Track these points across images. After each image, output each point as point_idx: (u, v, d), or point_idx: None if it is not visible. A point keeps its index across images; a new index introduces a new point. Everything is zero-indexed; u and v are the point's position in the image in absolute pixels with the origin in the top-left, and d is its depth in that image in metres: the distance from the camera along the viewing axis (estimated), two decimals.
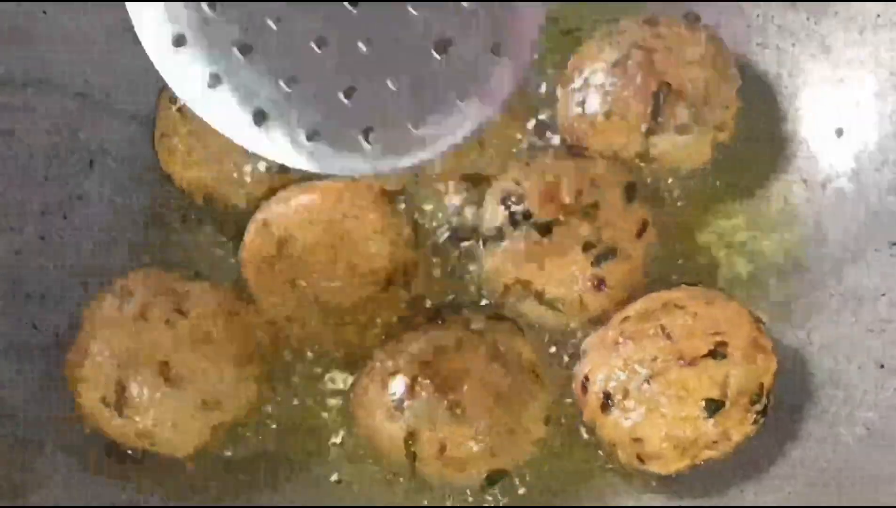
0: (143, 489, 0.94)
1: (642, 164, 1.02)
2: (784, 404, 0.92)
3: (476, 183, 1.02)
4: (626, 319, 0.93)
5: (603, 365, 0.91)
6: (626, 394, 0.89)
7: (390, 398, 0.91)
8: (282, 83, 0.78)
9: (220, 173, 1.02)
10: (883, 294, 0.95)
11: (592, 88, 1.02)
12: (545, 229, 0.96)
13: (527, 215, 0.96)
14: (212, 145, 1.01)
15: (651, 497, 0.93)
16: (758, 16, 1.06)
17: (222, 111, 0.78)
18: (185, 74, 0.78)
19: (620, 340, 0.91)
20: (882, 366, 0.92)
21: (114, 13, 1.05)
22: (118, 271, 0.98)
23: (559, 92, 1.05)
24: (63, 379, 0.94)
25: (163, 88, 1.04)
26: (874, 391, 0.91)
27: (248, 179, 1.01)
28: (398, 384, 0.91)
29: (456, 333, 0.94)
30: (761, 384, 0.89)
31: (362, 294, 0.95)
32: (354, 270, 0.95)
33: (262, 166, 1.01)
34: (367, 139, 0.78)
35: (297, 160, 0.79)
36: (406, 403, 0.90)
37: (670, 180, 1.03)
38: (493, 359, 0.92)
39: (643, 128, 1.00)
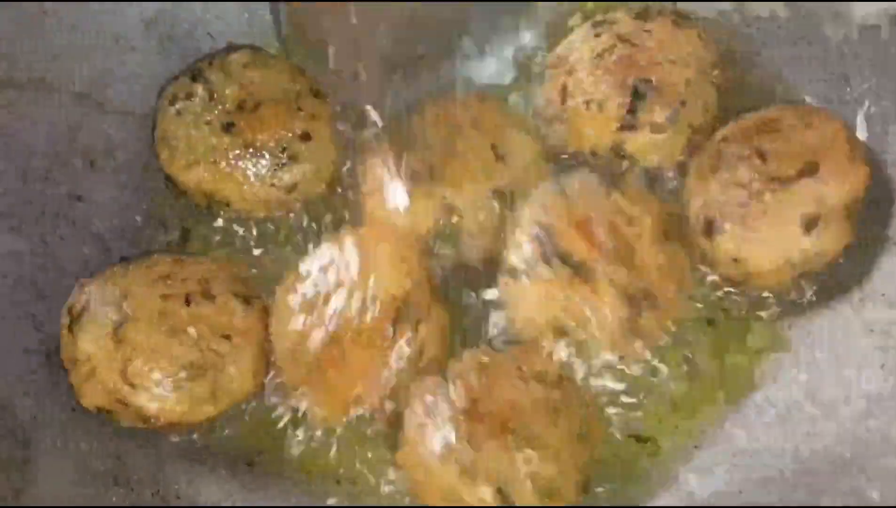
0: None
1: (615, 157, 1.01)
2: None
3: (503, 199, 0.99)
4: (723, 139, 0.96)
5: (701, 192, 0.94)
6: (725, 217, 0.93)
7: (454, 462, 0.87)
8: None
9: (219, 174, 1.01)
10: None
11: (574, 76, 1.02)
12: (578, 269, 0.92)
13: (558, 253, 0.93)
14: (210, 146, 1.01)
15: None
16: (758, 16, 1.06)
17: None
18: None
19: (716, 165, 0.94)
20: None
21: (114, 14, 1.07)
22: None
23: (546, 75, 1.05)
24: (63, 380, 0.94)
25: (162, 88, 1.04)
26: None
27: (248, 179, 1.01)
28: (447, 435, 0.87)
29: (480, 358, 0.92)
30: (855, 197, 0.92)
31: (368, 320, 0.93)
32: (367, 296, 0.93)
33: (262, 168, 1.01)
34: None
35: None
36: (467, 457, 0.86)
37: None
38: (527, 379, 0.90)
39: (617, 123, 0.99)
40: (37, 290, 0.99)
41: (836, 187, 0.92)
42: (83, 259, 1.01)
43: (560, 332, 0.93)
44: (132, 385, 0.92)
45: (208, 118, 1.01)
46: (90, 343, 0.94)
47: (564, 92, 1.02)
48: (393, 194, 0.98)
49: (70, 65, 1.03)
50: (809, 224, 0.91)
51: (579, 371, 0.93)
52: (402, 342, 0.92)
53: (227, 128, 1.01)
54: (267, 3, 1.11)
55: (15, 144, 1.00)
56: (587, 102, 1.00)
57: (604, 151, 1.01)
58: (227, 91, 1.02)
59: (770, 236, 0.92)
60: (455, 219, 0.97)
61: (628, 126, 0.99)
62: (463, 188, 0.98)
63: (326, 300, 0.93)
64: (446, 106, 1.02)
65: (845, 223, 0.92)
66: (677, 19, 1.03)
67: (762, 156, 0.94)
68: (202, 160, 1.01)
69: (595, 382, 0.94)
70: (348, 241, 0.96)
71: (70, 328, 0.95)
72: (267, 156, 1.01)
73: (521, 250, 0.94)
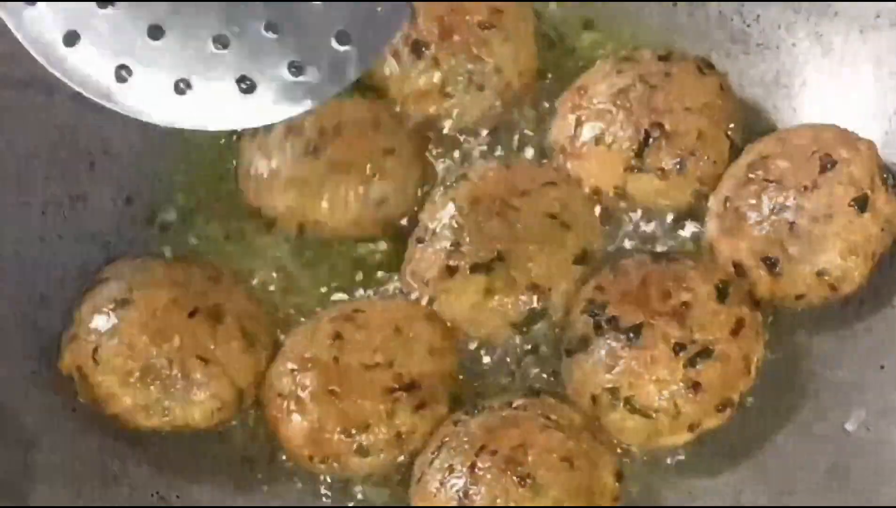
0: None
1: (616, 196, 1.01)
2: None
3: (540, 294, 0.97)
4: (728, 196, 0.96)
5: (742, 242, 0.95)
6: (783, 247, 0.93)
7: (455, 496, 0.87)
8: (146, 36, 0.77)
9: (309, 199, 1.01)
10: None
11: (589, 111, 1.01)
12: (633, 333, 0.91)
13: (612, 321, 0.92)
14: (298, 172, 1.01)
15: None
16: (758, 16, 1.06)
17: (81, 70, 0.78)
18: (41, 31, 0.78)
19: (743, 211, 0.95)
20: None
21: None
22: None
23: (559, 106, 1.05)
24: (64, 381, 0.94)
25: (240, 134, 1.05)
26: None
27: (338, 200, 1.01)
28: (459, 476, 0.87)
29: (501, 413, 0.91)
30: (878, 164, 0.94)
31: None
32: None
33: (351, 187, 1.01)
34: (242, 90, 0.78)
35: (167, 115, 0.79)
36: (474, 491, 0.86)
37: None
38: (547, 428, 0.89)
39: (624, 164, 0.99)
40: (37, 290, 0.98)
41: (859, 165, 0.93)
42: (83, 259, 1.01)
43: (616, 396, 0.91)
44: (96, 362, 0.93)
45: (292, 146, 1.01)
46: (87, 309, 0.96)
47: (578, 125, 1.02)
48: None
49: None
50: (860, 204, 0.92)
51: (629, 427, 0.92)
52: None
53: (314, 152, 1.01)
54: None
55: (15, 144, 1.00)
56: (597, 140, 1.00)
57: (606, 188, 1.01)
58: (305, 120, 1.01)
59: (834, 229, 0.92)
60: (540, 302, 0.97)
61: (634, 167, 0.99)
62: (543, 265, 0.97)
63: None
64: (480, 183, 1.01)
65: (888, 190, 0.94)
66: (701, 66, 1.02)
67: (778, 179, 0.95)
68: (291, 188, 1.01)
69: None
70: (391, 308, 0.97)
71: (86, 290, 0.97)
72: (355, 174, 1.01)
73: (575, 325, 0.94)
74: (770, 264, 0.94)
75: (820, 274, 0.93)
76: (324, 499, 0.94)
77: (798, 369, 0.95)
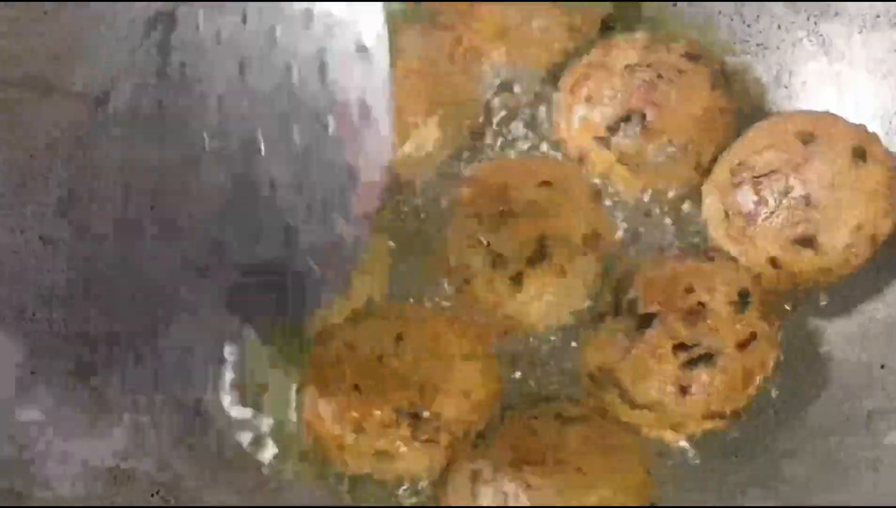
0: None
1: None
2: None
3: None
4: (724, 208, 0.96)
5: (763, 240, 0.95)
6: (810, 221, 0.93)
7: None
8: None
9: None
10: None
11: (592, 80, 1.02)
12: (644, 321, 0.91)
13: (631, 303, 0.93)
14: None
15: None
16: (758, 16, 1.06)
17: None
18: None
19: (748, 212, 0.95)
20: None
21: (114, 14, 1.07)
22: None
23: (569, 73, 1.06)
24: (64, 380, 0.94)
25: None
26: None
27: None
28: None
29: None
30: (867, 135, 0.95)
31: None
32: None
33: None
34: None
35: None
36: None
37: None
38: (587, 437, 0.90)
39: (595, 132, 1.01)
40: (37, 290, 0.98)
41: (838, 126, 0.95)
42: (83, 259, 1.01)
43: (610, 377, 0.92)
44: None
45: None
46: None
47: (576, 92, 1.02)
48: None
49: (70, 65, 1.02)
50: (859, 154, 0.94)
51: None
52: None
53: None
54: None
55: (15, 144, 1.00)
56: (588, 97, 1.01)
57: (578, 150, 1.02)
58: None
59: (849, 183, 0.93)
60: None
61: (602, 140, 1.00)
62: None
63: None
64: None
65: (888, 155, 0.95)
66: (718, 75, 1.03)
67: (767, 171, 0.96)
68: None
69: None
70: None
71: None
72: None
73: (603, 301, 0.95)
74: (807, 242, 0.94)
75: (859, 228, 0.93)
76: (325, 500, 0.94)
77: (807, 366, 0.96)
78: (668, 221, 1.02)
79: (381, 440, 0.91)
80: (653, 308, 0.91)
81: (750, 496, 0.91)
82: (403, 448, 0.91)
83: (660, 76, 1.00)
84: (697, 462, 0.93)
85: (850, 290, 0.96)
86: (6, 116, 1.00)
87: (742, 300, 0.92)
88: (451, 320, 0.96)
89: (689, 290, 0.91)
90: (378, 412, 0.90)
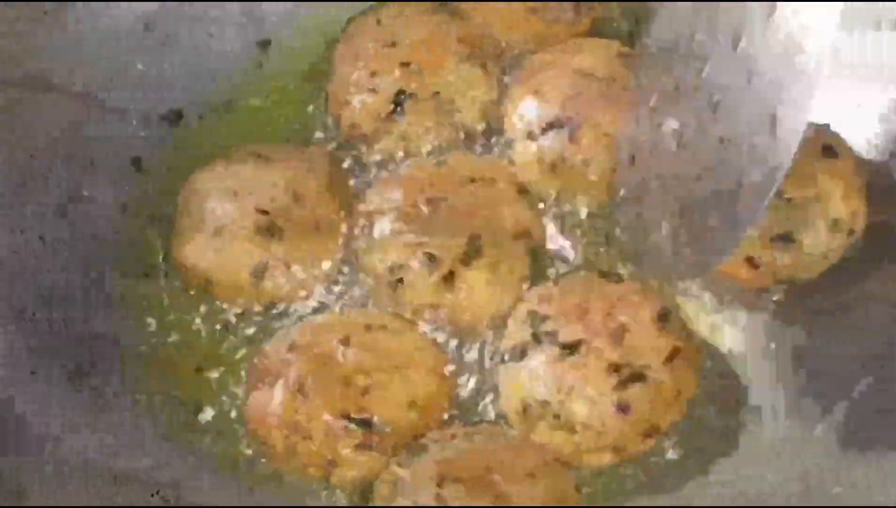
0: None
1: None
2: None
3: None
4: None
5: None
6: (787, 219, 0.94)
7: None
8: None
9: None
10: None
11: (553, 69, 1.03)
12: (570, 349, 0.91)
13: (552, 334, 0.92)
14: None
15: None
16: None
17: None
18: None
19: None
20: None
21: (114, 14, 1.07)
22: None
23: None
24: (64, 379, 0.94)
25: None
26: None
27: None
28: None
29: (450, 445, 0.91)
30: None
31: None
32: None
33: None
34: None
35: None
36: None
37: None
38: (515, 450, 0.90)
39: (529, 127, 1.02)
40: (37, 290, 0.98)
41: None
42: (83, 259, 1.01)
43: (546, 409, 0.91)
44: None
45: None
46: None
47: (526, 82, 1.04)
48: None
49: (70, 65, 1.03)
50: (829, 153, 0.95)
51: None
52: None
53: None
54: (264, 2, 1.11)
55: (15, 144, 1.00)
56: (536, 91, 1.02)
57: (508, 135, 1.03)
58: None
59: (824, 183, 0.94)
60: None
61: (530, 135, 1.01)
62: None
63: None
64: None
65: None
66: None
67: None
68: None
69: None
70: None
71: None
72: None
73: (514, 334, 0.95)
74: (785, 239, 0.94)
75: (835, 224, 0.94)
76: (321, 500, 0.94)
77: (794, 366, 0.96)
78: (578, 232, 1.02)
79: (324, 446, 0.92)
80: (576, 336, 0.92)
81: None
82: (348, 454, 0.92)
83: (607, 91, 1.00)
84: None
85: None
86: (6, 116, 1.00)
87: (661, 319, 0.93)
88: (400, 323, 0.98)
89: (608, 314, 0.92)
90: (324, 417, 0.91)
